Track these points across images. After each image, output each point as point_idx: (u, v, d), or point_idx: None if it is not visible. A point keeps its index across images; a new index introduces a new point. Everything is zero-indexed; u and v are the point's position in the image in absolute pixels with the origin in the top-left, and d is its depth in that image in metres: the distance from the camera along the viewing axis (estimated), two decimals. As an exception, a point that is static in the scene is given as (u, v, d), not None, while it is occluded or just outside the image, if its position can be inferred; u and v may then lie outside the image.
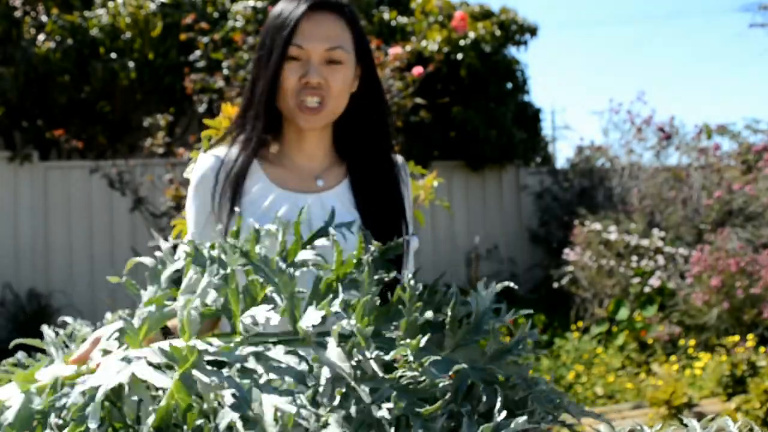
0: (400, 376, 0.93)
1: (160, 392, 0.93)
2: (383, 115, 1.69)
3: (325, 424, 0.89)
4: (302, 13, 1.58)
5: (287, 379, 0.89)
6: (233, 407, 0.86)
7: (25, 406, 0.96)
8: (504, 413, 0.92)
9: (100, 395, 0.89)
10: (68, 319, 1.50)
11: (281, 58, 1.57)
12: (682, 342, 5.96)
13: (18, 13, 8.07)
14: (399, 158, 1.76)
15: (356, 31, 1.63)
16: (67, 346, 1.37)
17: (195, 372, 0.89)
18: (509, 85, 9.18)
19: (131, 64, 8.11)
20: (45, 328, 1.27)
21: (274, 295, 1.00)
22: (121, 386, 0.94)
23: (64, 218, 8.00)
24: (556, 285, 7.67)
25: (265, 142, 1.63)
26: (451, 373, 0.96)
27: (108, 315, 1.52)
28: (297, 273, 1.04)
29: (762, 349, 5.44)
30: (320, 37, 1.58)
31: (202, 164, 1.64)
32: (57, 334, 1.32)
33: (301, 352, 0.93)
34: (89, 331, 1.42)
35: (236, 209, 1.58)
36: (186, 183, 5.54)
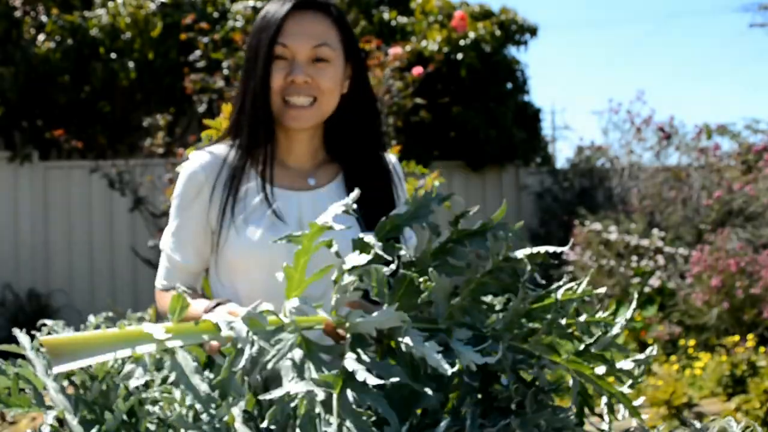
0: None
1: None
2: (374, 116, 1.68)
3: None
4: (286, 12, 1.57)
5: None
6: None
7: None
8: None
9: None
10: (49, 322, 1.50)
11: (268, 58, 1.57)
12: (682, 342, 5.96)
13: (18, 13, 8.06)
14: (392, 158, 1.76)
15: (344, 30, 1.62)
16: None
17: None
18: (509, 85, 9.17)
19: (131, 64, 8.10)
20: (18, 332, 1.28)
21: None
22: None
23: (64, 218, 7.99)
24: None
25: (257, 144, 1.61)
26: None
27: (91, 318, 1.52)
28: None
29: (762, 349, 5.44)
30: (305, 34, 1.58)
31: (195, 160, 1.64)
32: (33, 337, 1.32)
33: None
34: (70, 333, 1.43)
35: (227, 213, 1.59)
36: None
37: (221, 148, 1.65)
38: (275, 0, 1.61)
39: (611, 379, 1.15)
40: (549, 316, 1.14)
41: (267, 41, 1.57)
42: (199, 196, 1.61)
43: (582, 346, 1.15)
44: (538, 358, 1.15)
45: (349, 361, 1.02)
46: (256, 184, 1.61)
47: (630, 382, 1.16)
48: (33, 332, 1.35)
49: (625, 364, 1.15)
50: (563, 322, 1.14)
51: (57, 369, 1.07)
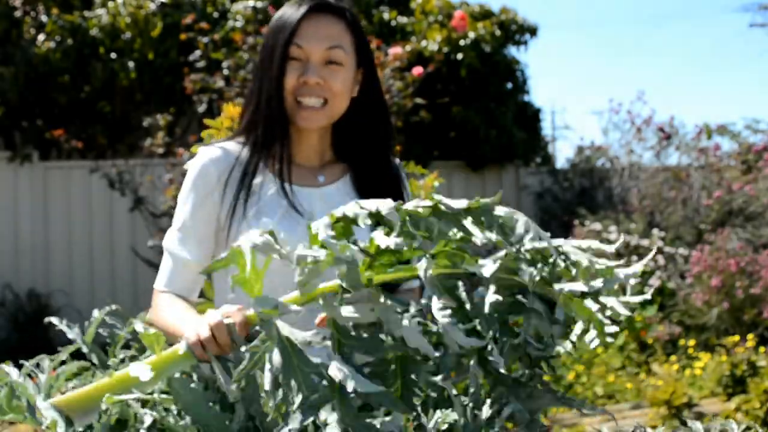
0: None
1: None
2: (384, 121, 1.72)
3: None
4: (303, 14, 1.61)
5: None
6: None
7: None
8: None
9: None
10: (53, 320, 1.50)
11: (283, 58, 1.60)
12: (682, 342, 5.96)
13: (18, 13, 8.06)
14: (396, 160, 1.79)
15: (357, 35, 1.66)
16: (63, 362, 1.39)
17: None
18: (509, 85, 9.17)
19: (131, 64, 8.10)
20: (4, 366, 1.32)
21: None
22: None
23: (64, 218, 7.99)
24: (556, 285, 7.65)
25: (272, 142, 1.64)
26: None
27: (95, 312, 1.52)
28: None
29: (762, 349, 5.44)
30: (319, 37, 1.61)
31: (206, 155, 1.65)
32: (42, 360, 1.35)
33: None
34: (78, 334, 1.43)
35: (239, 208, 1.60)
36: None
37: (232, 145, 1.66)
38: (291, 2, 1.65)
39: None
40: (546, 266, 1.08)
41: (283, 42, 1.60)
42: (210, 192, 1.62)
43: (576, 285, 1.10)
44: (529, 312, 1.08)
45: (335, 370, 0.99)
46: (269, 179, 1.63)
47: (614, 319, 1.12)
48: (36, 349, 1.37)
49: (611, 301, 1.10)
50: (562, 265, 1.10)
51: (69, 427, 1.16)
